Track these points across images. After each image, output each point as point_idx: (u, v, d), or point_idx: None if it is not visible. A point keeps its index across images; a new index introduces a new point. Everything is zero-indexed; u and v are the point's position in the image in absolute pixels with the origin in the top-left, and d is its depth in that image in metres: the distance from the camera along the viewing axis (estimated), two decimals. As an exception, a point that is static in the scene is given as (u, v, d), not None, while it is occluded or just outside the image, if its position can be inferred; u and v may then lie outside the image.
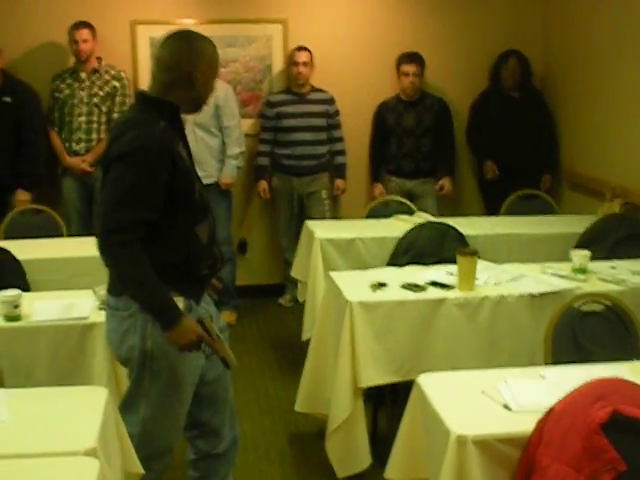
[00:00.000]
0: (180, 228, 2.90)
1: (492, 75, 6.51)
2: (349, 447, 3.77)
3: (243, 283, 6.53)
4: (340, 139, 6.49)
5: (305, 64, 6.27)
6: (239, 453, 3.43)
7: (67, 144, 5.98)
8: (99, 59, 6.03)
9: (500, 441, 2.45)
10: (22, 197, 5.85)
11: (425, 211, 5.65)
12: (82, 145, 5.95)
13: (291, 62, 6.33)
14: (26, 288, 4.23)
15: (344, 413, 3.66)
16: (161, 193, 2.80)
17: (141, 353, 2.89)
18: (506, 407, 2.60)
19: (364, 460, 3.77)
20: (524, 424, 2.46)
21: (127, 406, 2.91)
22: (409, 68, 6.31)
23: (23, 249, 4.57)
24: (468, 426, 2.46)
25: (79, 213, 6.02)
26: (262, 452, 4.25)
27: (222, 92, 5.93)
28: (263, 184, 6.43)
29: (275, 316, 6.39)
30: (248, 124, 6.46)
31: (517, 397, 2.64)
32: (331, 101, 6.41)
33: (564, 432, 2.36)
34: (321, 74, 6.42)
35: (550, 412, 2.41)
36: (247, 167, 6.44)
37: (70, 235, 5.37)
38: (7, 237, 5.20)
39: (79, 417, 2.52)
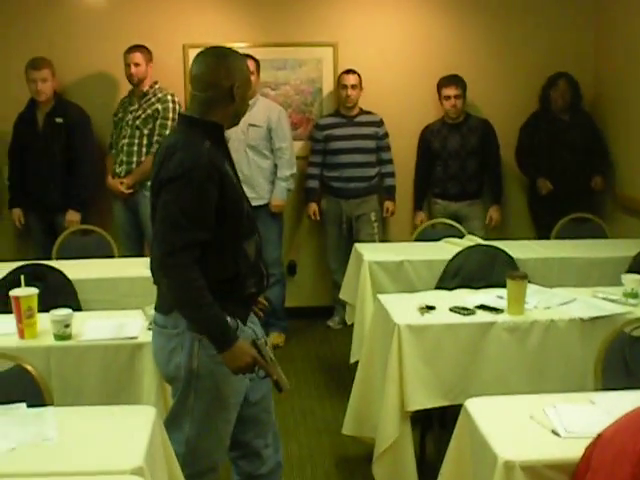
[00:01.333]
0: (229, 245, 2.92)
1: (542, 97, 6.47)
2: (396, 471, 3.73)
3: (292, 305, 6.54)
4: (389, 161, 6.49)
5: (354, 87, 6.29)
6: (285, 474, 3.42)
7: (114, 166, 6.07)
8: (155, 82, 6.08)
9: (548, 467, 2.42)
10: (72, 217, 5.95)
11: (472, 234, 5.62)
12: (123, 167, 6.00)
13: (340, 85, 6.36)
14: (77, 307, 4.28)
15: (391, 437, 3.64)
16: (212, 212, 2.83)
17: (187, 372, 2.90)
18: (554, 433, 2.56)
19: (411, 484, 3.75)
20: (572, 450, 2.42)
21: (171, 424, 2.92)
22: (449, 91, 6.30)
23: (75, 269, 4.64)
24: (516, 451, 2.43)
25: (127, 235, 6.09)
26: (308, 474, 4.24)
27: (275, 114, 5.99)
28: (313, 206, 6.46)
29: (323, 338, 6.39)
30: (298, 146, 6.49)
31: (566, 423, 2.61)
32: (380, 123, 6.42)
33: (613, 459, 2.31)
34: (370, 97, 6.44)
35: (599, 438, 2.37)
36: (297, 189, 6.47)
37: (121, 256, 5.41)
38: (59, 257, 5.27)
39: (126, 436, 2.53)
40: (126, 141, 6.01)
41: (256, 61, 5.90)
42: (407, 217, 6.70)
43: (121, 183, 5.97)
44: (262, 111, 5.90)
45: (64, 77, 6.27)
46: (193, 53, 6.06)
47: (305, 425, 4.81)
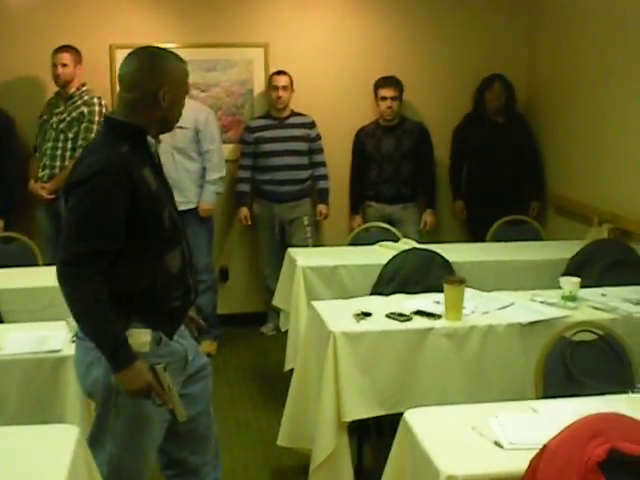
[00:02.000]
0: (147, 256, 2.77)
1: (476, 99, 6.44)
2: (334, 483, 3.63)
3: (224, 311, 6.41)
4: (322, 164, 6.39)
5: (284, 88, 6.17)
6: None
7: (37, 170, 5.85)
8: (82, 85, 5.88)
9: (492, 481, 2.33)
10: (-6, 224, 5.72)
11: (407, 237, 5.54)
12: (46, 172, 5.79)
13: (270, 86, 6.23)
14: (-1, 319, 4.11)
15: (328, 448, 3.53)
16: (120, 221, 2.67)
17: (105, 387, 2.75)
18: (497, 444, 2.47)
19: (349, 497, 3.63)
20: (517, 462, 2.33)
21: (93, 443, 2.75)
22: (386, 92, 6.22)
23: (-2, 279, 4.45)
24: (458, 465, 2.33)
25: (51, 242, 5.79)
26: (243, 488, 4.11)
27: (203, 116, 5.86)
28: (244, 211, 6.33)
29: (257, 345, 6.24)
30: (229, 149, 6.36)
31: (509, 433, 2.52)
32: (311, 125, 6.31)
33: (559, 471, 2.24)
34: (302, 99, 6.32)
35: (543, 450, 2.29)
36: (228, 193, 6.35)
37: (45, 264, 5.20)
38: (-21, 266, 5.05)
39: (46, 458, 2.37)
40: (50, 145, 5.79)
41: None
42: (342, 221, 6.60)
43: (43, 188, 5.76)
44: (189, 113, 5.67)
45: (-12, 80, 6.05)
46: (120, 54, 6.05)
47: (239, 436, 4.67)
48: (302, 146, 6.27)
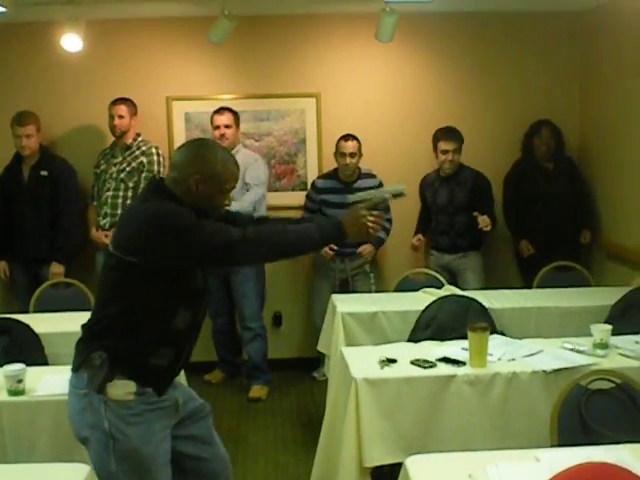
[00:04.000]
0: (164, 301, 2.87)
1: (525, 146, 6.41)
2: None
3: (278, 356, 6.48)
4: (388, 220, 6.09)
5: (352, 155, 6.03)
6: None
7: (99, 218, 6.06)
8: (137, 135, 6.11)
9: (479, 530, 2.35)
10: (56, 270, 5.93)
11: (465, 286, 5.53)
12: (107, 220, 6.01)
13: (338, 152, 6.10)
14: (43, 362, 4.26)
15: (350, 493, 3.56)
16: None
17: (100, 433, 2.82)
18: (490, 492, 2.49)
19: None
20: (506, 510, 2.35)
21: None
22: (447, 145, 6.04)
23: (47, 322, 4.65)
24: (445, 514, 2.37)
25: None
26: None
27: (251, 159, 5.98)
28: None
29: (307, 390, 6.28)
30: (282, 197, 6.49)
31: (503, 481, 2.54)
32: (378, 187, 5.96)
33: (544, 520, 2.24)
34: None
35: (529, 498, 2.31)
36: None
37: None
38: (37, 310, 5.26)
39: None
40: (110, 194, 6.01)
41: (235, 113, 5.93)
42: (406, 269, 6.47)
43: (105, 236, 5.94)
44: (239, 161, 5.83)
45: (50, 129, 6.32)
46: (176, 105, 6.33)
47: (276, 479, 4.72)
48: None
